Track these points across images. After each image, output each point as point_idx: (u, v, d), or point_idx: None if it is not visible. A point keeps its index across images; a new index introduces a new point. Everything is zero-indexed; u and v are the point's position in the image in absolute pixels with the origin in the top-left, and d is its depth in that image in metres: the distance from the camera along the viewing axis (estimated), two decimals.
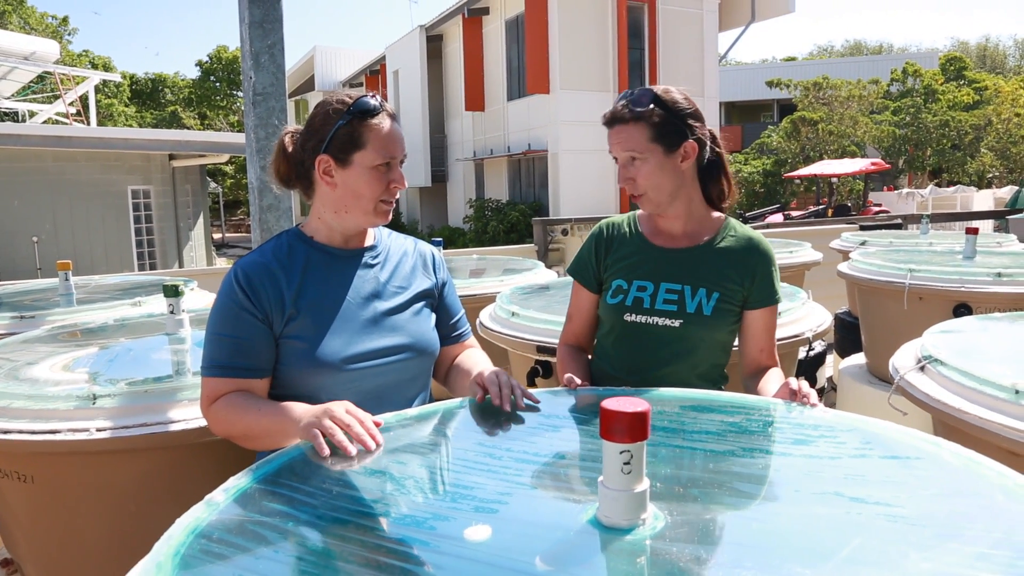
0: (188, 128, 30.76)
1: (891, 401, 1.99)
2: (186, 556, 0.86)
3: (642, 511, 0.92)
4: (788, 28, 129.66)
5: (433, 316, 1.63)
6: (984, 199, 18.76)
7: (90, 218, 11.42)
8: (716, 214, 1.72)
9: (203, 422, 1.60)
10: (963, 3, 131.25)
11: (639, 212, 1.78)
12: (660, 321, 1.64)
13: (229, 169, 31.58)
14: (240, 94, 35.53)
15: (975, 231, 3.83)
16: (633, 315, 1.65)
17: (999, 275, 3.26)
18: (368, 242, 1.57)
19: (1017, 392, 1.54)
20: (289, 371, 1.43)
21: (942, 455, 1.14)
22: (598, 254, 1.75)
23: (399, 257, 1.61)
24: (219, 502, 1.00)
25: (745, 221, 18.20)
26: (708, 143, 1.66)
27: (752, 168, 25.41)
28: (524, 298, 2.98)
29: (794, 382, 1.41)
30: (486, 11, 19.33)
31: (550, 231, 6.24)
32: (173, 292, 2.15)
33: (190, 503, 1.70)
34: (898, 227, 7.89)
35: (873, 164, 20.14)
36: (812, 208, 20.94)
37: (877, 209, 17.60)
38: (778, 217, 18.05)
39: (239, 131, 31.99)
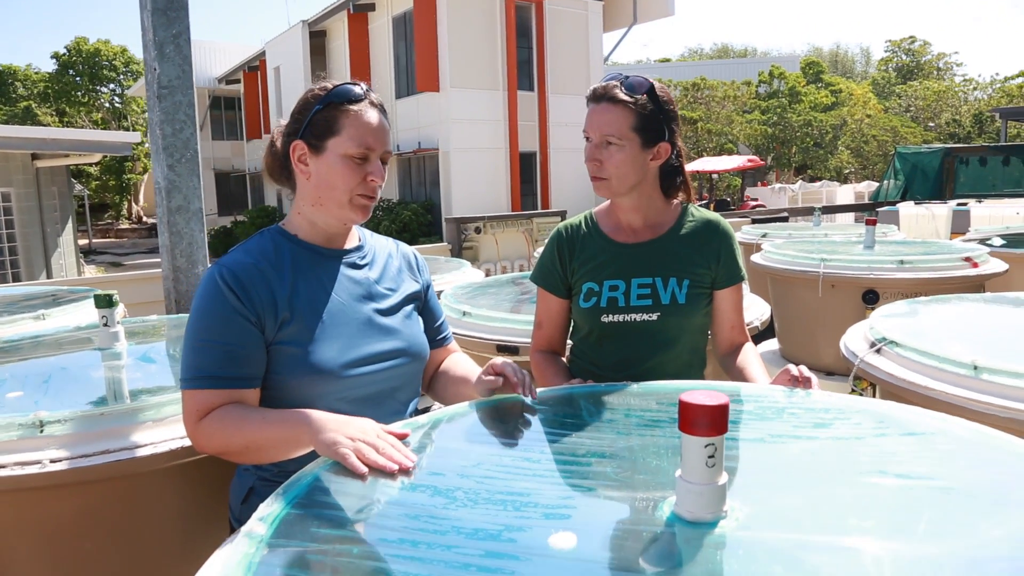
0: (45, 126, 28.27)
1: (851, 383, 2.09)
2: None
3: (723, 503, 0.90)
4: (661, 32, 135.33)
5: (420, 319, 1.56)
6: (846, 193, 20.33)
7: None
8: (674, 202, 1.72)
9: (174, 443, 1.47)
10: (816, 11, 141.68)
11: (596, 210, 1.77)
12: (638, 317, 1.63)
13: (94, 170, 29.30)
14: (104, 90, 33.07)
15: (874, 222, 4.13)
16: (610, 315, 1.64)
17: (902, 262, 3.53)
18: (353, 243, 1.48)
19: (976, 368, 1.66)
20: (282, 379, 1.32)
21: (953, 429, 1.20)
22: (562, 259, 1.72)
23: (385, 258, 1.53)
24: (261, 534, 0.90)
25: None
26: (676, 150, 1.65)
27: None
28: (469, 297, 2.93)
29: (794, 368, 1.44)
30: (372, 7, 18.93)
31: (463, 229, 6.19)
32: (106, 303, 1.95)
33: (156, 535, 1.56)
34: (784, 219, 8.40)
35: (750, 161, 21.39)
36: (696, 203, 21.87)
37: (754, 204, 18.70)
38: None
39: (104, 128, 29.76)
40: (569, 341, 1.81)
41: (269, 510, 0.97)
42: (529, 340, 2.35)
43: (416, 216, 18.71)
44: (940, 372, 1.72)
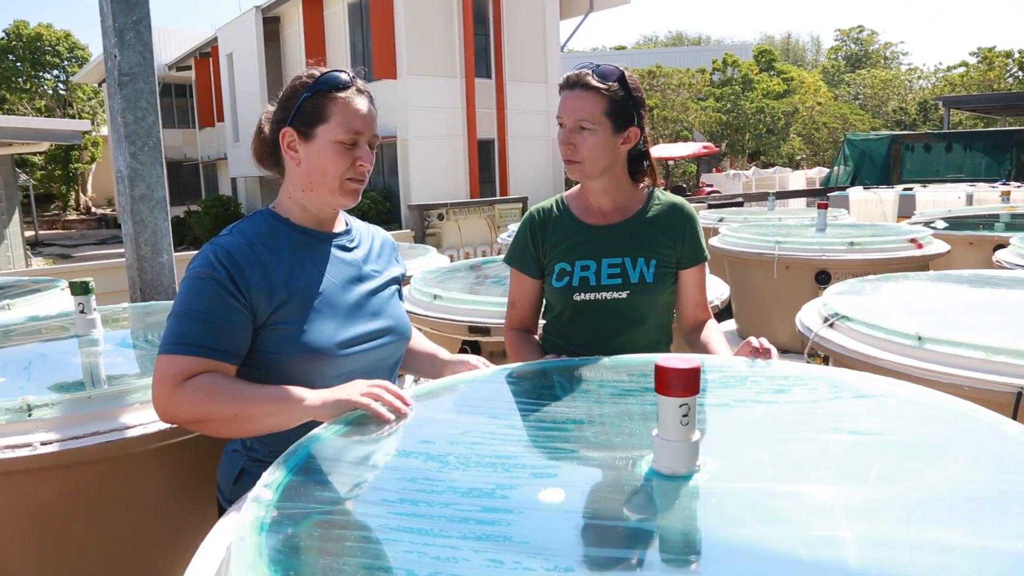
0: None
1: (806, 357, 2.22)
2: (273, 553, 0.82)
3: (697, 458, 0.99)
4: (616, 20, 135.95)
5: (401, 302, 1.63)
6: (798, 179, 20.83)
7: None
8: (641, 186, 1.80)
9: (163, 424, 1.50)
10: (769, 0, 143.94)
11: (566, 194, 1.85)
12: (608, 295, 1.72)
13: (39, 159, 28.32)
14: (48, 76, 31.89)
15: (825, 206, 4.30)
16: (582, 294, 1.72)
17: (852, 244, 3.69)
18: (340, 227, 1.53)
19: (920, 339, 1.79)
20: (276, 358, 1.36)
21: (899, 392, 1.31)
22: (535, 240, 1.79)
23: (370, 241, 1.59)
24: (268, 499, 0.96)
25: None
26: (644, 135, 1.74)
27: None
28: (438, 281, 2.98)
29: (755, 340, 1.54)
30: None
31: (426, 216, 6.22)
32: (83, 289, 1.96)
33: (144, 514, 1.59)
34: (739, 204, 8.62)
35: (705, 147, 21.74)
36: None
37: (710, 189, 19.03)
38: None
39: (48, 116, 28.74)
40: (541, 320, 1.88)
41: (272, 478, 1.02)
42: (500, 321, 2.44)
43: (375, 204, 18.58)
44: (887, 343, 1.84)
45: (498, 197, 7.84)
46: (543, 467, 1.05)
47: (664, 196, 1.80)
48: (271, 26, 20.48)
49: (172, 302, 3.27)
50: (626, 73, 1.66)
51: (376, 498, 0.96)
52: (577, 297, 1.72)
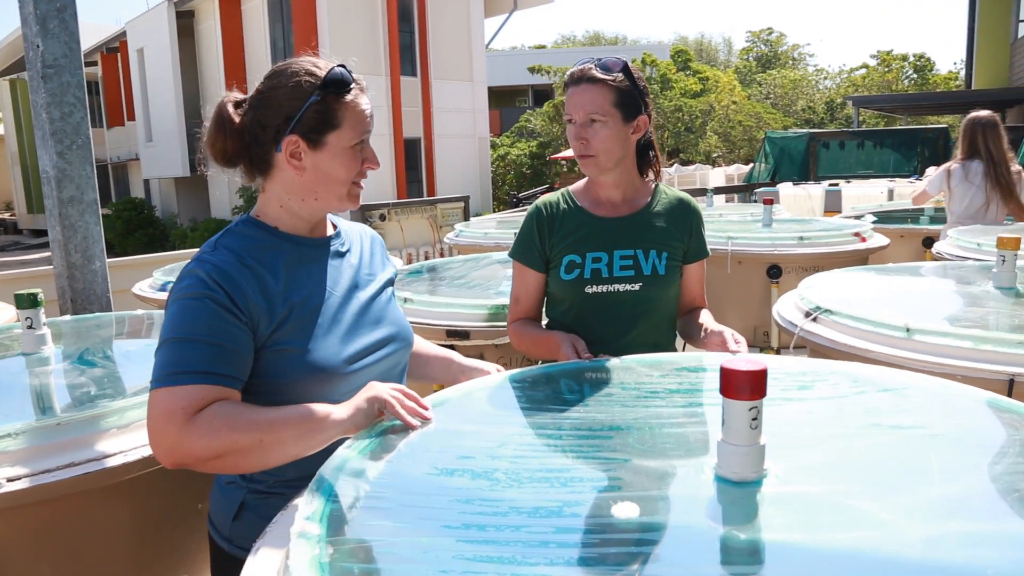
0: None
1: (792, 348, 2.24)
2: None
3: (764, 463, 0.96)
4: (537, 19, 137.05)
5: None
6: (718, 176, 21.47)
7: None
8: (647, 180, 1.80)
9: (145, 451, 1.37)
10: (685, 1, 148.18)
11: (573, 187, 1.82)
12: (621, 287, 1.70)
13: None
14: None
15: (771, 202, 4.41)
16: (594, 286, 1.69)
17: (801, 239, 3.79)
18: (330, 230, 1.42)
19: (908, 330, 1.83)
20: (279, 383, 1.23)
21: (921, 383, 1.32)
22: (541, 234, 1.75)
23: (359, 242, 1.47)
24: (317, 534, 0.86)
25: (518, 202, 19.10)
26: (650, 124, 1.73)
27: (519, 151, 26.63)
28: (404, 284, 2.88)
29: (727, 331, 1.57)
30: None
31: (368, 216, 6.07)
32: (30, 302, 1.77)
33: (123, 551, 1.45)
34: None
35: None
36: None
37: None
38: None
39: None
40: (544, 320, 1.84)
41: (312, 508, 0.93)
42: (479, 324, 2.37)
43: None
44: (876, 335, 1.87)
45: (440, 196, 7.72)
46: (601, 479, 0.99)
47: (670, 191, 1.81)
48: (185, 21, 19.61)
49: (108, 313, 3.06)
50: (629, 63, 1.64)
51: (437, 525, 0.88)
52: (589, 290, 1.69)
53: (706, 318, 1.77)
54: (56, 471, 1.30)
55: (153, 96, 20.77)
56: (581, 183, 1.80)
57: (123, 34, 21.70)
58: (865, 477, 0.98)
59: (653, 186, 1.80)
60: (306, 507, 0.93)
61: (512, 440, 1.14)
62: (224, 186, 20.81)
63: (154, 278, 3.47)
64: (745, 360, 0.95)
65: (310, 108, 1.24)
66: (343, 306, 1.33)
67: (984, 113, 4.01)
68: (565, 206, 1.76)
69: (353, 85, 1.28)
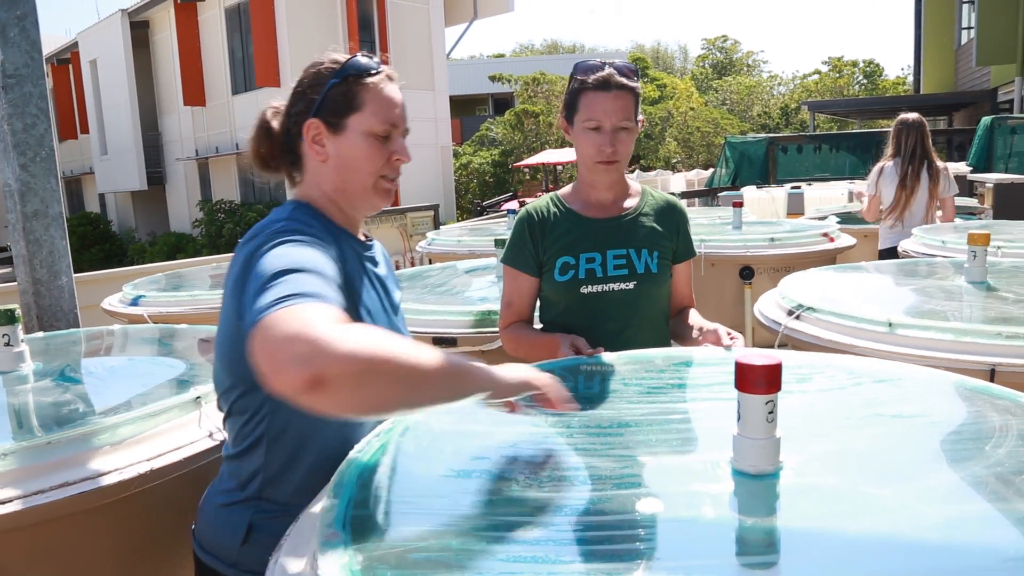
0: None
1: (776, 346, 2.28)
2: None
3: (779, 455, 0.97)
4: (496, 28, 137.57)
5: None
6: (679, 181, 21.79)
7: None
8: (631, 182, 1.83)
9: (141, 467, 1.33)
10: (640, 10, 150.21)
11: (561, 192, 1.83)
12: (615, 286, 1.72)
13: None
14: None
15: (740, 205, 4.49)
16: (589, 286, 1.72)
17: (772, 240, 3.86)
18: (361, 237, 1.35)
19: (891, 325, 1.87)
20: None
21: (912, 374, 1.36)
22: (533, 237, 1.76)
23: (383, 258, 1.42)
24: (342, 540, 0.85)
25: (482, 210, 19.09)
26: None
27: (481, 159, 26.68)
28: None
29: (721, 329, 1.60)
30: None
31: None
32: (8, 319, 1.71)
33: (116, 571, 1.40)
34: None
35: None
36: (541, 194, 22.51)
37: None
38: (513, 204, 19.20)
39: None
40: (538, 324, 1.85)
41: (331, 515, 0.91)
42: (466, 330, 2.36)
43: (262, 218, 17.81)
44: (860, 331, 1.92)
45: (405, 206, 7.69)
46: (620, 476, 0.99)
47: (656, 193, 1.85)
48: (139, 31, 19.25)
49: (80, 329, 2.97)
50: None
51: (466, 527, 0.88)
52: (584, 290, 1.71)
53: (696, 318, 1.80)
54: (49, 492, 1.25)
55: (107, 108, 20.32)
56: (568, 187, 1.83)
57: (75, 45, 21.20)
58: (875, 465, 1.00)
59: (640, 188, 1.83)
60: (327, 514, 0.91)
61: (523, 441, 1.14)
62: (183, 199, 20.45)
63: (124, 292, 3.39)
64: (759, 355, 0.96)
65: (331, 90, 1.22)
66: (379, 314, 1.28)
67: (911, 115, 4.27)
68: (555, 210, 1.78)
69: (377, 71, 1.24)
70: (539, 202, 1.81)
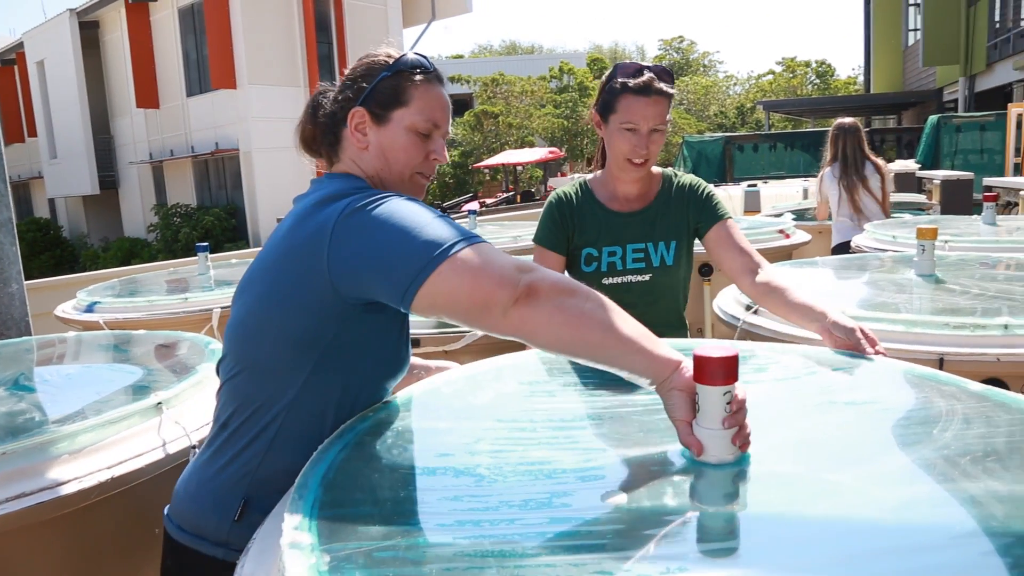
0: None
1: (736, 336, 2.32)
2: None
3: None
4: (454, 29, 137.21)
5: None
6: None
7: None
8: (655, 170, 1.92)
9: (101, 475, 1.31)
10: (597, 11, 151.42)
11: (589, 179, 1.95)
12: (632, 278, 1.89)
13: None
14: None
15: None
16: (610, 278, 1.89)
17: None
18: None
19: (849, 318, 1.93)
20: (355, 360, 1.17)
21: (863, 363, 1.41)
22: (563, 218, 1.90)
23: None
24: (309, 542, 0.85)
25: (444, 212, 19.01)
26: None
27: None
28: None
29: (860, 332, 1.45)
30: None
31: None
32: None
33: None
34: None
35: (551, 152, 22.44)
36: (501, 195, 22.63)
37: None
38: (474, 205, 19.19)
39: None
40: None
41: (295, 518, 0.91)
42: (430, 331, 2.36)
43: (219, 221, 17.54)
44: None
45: None
46: (584, 469, 1.01)
47: (680, 177, 1.93)
48: (89, 32, 18.76)
49: (33, 337, 2.89)
50: None
51: (431, 524, 0.88)
52: (606, 281, 1.87)
53: (806, 295, 1.64)
54: (5, 503, 1.22)
55: (56, 111, 19.76)
56: (599, 175, 1.93)
57: (20, 45, 20.55)
58: (831, 451, 1.03)
59: (662, 176, 1.92)
60: (291, 517, 0.91)
61: (488, 435, 1.15)
62: (137, 203, 19.99)
63: (78, 299, 3.30)
64: (716, 347, 0.99)
65: (381, 82, 1.25)
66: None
67: (847, 120, 4.49)
68: (582, 197, 1.91)
69: (430, 70, 1.28)
70: (568, 188, 1.92)
